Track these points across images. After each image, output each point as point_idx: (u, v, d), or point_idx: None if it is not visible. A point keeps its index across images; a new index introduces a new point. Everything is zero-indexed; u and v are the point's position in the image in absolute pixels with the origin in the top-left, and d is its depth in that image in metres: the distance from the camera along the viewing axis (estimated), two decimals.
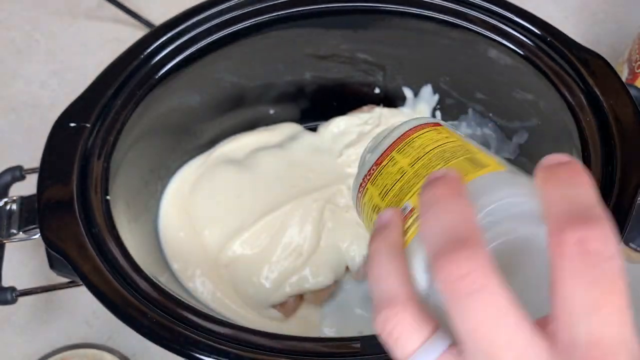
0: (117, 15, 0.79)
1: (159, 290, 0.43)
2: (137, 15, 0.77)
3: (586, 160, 0.47)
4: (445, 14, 0.55)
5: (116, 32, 0.80)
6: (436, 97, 0.63)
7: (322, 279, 0.54)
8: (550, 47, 0.52)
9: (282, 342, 0.40)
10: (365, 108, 0.64)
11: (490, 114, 0.61)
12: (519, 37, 0.53)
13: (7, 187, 0.50)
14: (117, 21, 0.80)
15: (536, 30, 0.53)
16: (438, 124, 0.35)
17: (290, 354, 0.39)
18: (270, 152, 0.60)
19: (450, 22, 0.55)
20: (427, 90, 0.63)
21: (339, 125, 0.62)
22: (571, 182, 0.23)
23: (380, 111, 0.63)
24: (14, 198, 0.48)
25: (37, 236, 0.46)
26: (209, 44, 0.54)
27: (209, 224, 0.56)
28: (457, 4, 0.55)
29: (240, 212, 0.56)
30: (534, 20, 0.54)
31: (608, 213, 0.22)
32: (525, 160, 0.59)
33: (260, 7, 0.55)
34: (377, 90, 0.64)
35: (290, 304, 0.55)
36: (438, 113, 0.64)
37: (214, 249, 0.55)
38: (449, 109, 0.63)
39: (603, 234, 0.21)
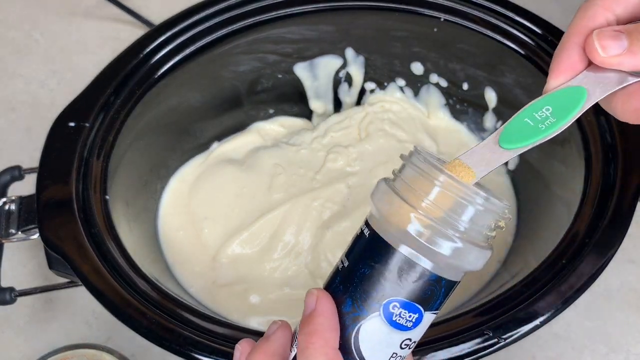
0: (117, 15, 0.79)
1: (158, 290, 0.43)
2: (137, 14, 0.77)
3: (587, 161, 0.47)
4: (446, 13, 0.55)
5: (115, 31, 0.80)
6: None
7: None
8: (552, 46, 0.52)
9: None
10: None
11: (491, 114, 0.61)
12: (520, 37, 0.53)
13: (5, 186, 0.50)
14: (116, 20, 0.80)
15: (538, 30, 0.53)
16: None
17: None
18: (269, 151, 0.60)
19: (451, 21, 0.55)
20: (426, 91, 0.63)
21: (336, 122, 0.62)
22: None
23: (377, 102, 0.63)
24: (13, 198, 0.48)
25: (36, 236, 0.46)
26: (208, 43, 0.54)
27: (208, 223, 0.56)
28: (459, 4, 0.55)
29: (239, 212, 0.56)
30: (536, 19, 0.54)
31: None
32: (524, 161, 0.59)
33: (259, 6, 0.55)
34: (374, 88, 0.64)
35: None
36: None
37: (213, 248, 0.55)
38: (449, 109, 0.63)
39: None
